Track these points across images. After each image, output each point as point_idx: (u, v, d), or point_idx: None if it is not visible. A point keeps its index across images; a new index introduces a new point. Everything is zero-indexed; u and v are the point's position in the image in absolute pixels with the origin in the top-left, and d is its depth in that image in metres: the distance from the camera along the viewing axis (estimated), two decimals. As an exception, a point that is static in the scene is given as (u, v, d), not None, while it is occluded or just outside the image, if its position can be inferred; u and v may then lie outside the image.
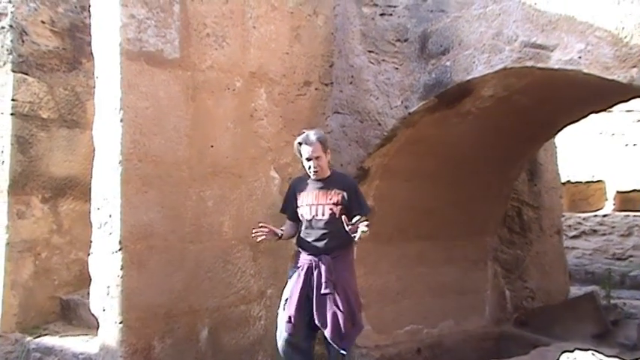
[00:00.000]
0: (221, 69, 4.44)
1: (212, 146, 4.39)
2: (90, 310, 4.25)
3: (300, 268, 3.93)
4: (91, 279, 4.22)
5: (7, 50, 5.13)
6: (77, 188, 5.49)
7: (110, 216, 3.98)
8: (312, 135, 3.97)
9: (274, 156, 4.78)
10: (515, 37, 3.94)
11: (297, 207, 4.03)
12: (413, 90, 4.53)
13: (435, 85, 4.41)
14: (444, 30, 4.35)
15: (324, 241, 3.90)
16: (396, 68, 4.64)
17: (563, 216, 7.98)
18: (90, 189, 4.26)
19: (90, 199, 4.27)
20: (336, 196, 3.93)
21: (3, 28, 5.16)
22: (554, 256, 6.70)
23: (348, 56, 4.97)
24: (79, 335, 4.90)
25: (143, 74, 4.04)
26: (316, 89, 5.03)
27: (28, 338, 4.96)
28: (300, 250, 4.04)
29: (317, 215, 3.93)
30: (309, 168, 3.97)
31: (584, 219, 9.81)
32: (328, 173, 4.02)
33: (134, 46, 4.00)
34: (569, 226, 9.62)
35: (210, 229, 4.36)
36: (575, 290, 7.45)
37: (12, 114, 5.12)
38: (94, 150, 4.24)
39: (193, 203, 4.28)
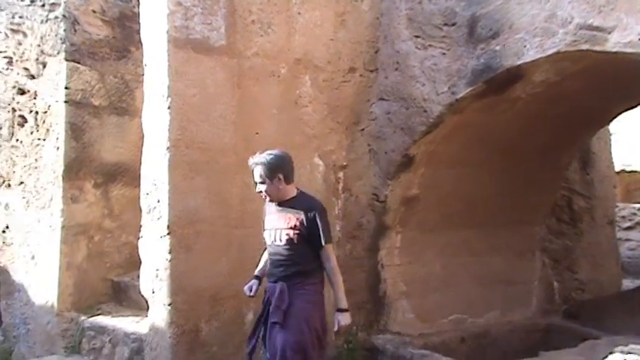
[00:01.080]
0: (266, 56, 4.47)
1: (257, 133, 4.43)
2: (140, 292, 4.36)
3: (263, 298, 3.73)
4: (140, 262, 4.33)
5: (61, 40, 5.27)
6: (127, 174, 5.62)
7: (159, 201, 4.07)
8: (257, 157, 3.67)
9: (318, 143, 4.79)
10: (570, 19, 3.82)
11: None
12: (460, 76, 4.46)
13: (483, 70, 4.33)
14: (494, 13, 4.26)
15: (281, 268, 3.62)
16: (443, 53, 4.58)
17: (617, 206, 7.78)
18: (139, 175, 4.36)
19: (139, 184, 4.37)
20: (294, 219, 3.60)
21: (56, 18, 5.30)
22: (606, 247, 6.54)
23: (393, 42, 4.93)
24: (129, 316, 5.04)
25: (190, 62, 4.10)
26: (361, 76, 5.01)
27: (83, 317, 5.14)
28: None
29: (275, 240, 3.65)
30: (259, 192, 3.72)
31: (639, 209, 9.53)
32: (289, 195, 3.68)
33: (181, 34, 4.06)
34: (623, 217, 9.34)
35: (254, 215, 4.38)
36: (628, 283, 7.26)
37: (65, 102, 5.27)
38: (142, 137, 4.33)
39: (239, 189, 4.33)
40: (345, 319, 3.65)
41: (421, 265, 5.32)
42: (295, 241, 3.58)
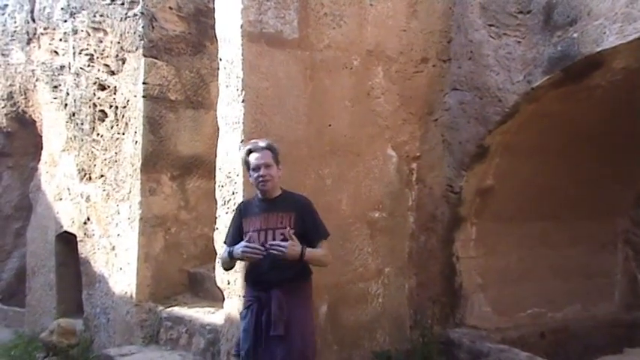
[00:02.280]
0: (338, 48, 4.46)
1: (330, 125, 4.43)
2: (215, 283, 4.45)
3: (250, 309, 3.42)
4: (215, 253, 4.40)
5: (139, 36, 5.43)
6: (202, 166, 5.74)
7: (233, 193, 4.13)
8: (261, 142, 3.51)
9: (391, 134, 4.75)
10: (653, 4, 3.66)
11: (243, 234, 3.44)
12: (536, 64, 4.33)
13: (560, 58, 4.19)
14: (572, -1, 4.12)
15: (277, 273, 3.33)
16: (518, 42, 4.46)
17: None
18: (214, 167, 4.44)
19: (214, 176, 4.45)
20: (287, 217, 3.37)
21: (135, 15, 5.46)
22: (693, 239, 6.23)
23: (467, 31, 4.83)
24: (205, 307, 5.15)
25: (263, 55, 4.14)
26: (434, 66, 4.93)
27: (160, 307, 5.29)
28: (248, 285, 3.55)
29: (267, 242, 3.33)
30: (258, 178, 3.42)
31: None
32: (279, 192, 3.49)
33: (255, 28, 4.10)
34: None
35: (328, 207, 4.40)
36: None
37: (144, 96, 5.43)
38: (217, 130, 4.40)
39: (312, 181, 4.35)
40: (289, 247, 3.24)
41: (497, 257, 5.21)
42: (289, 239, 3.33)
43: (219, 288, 4.40)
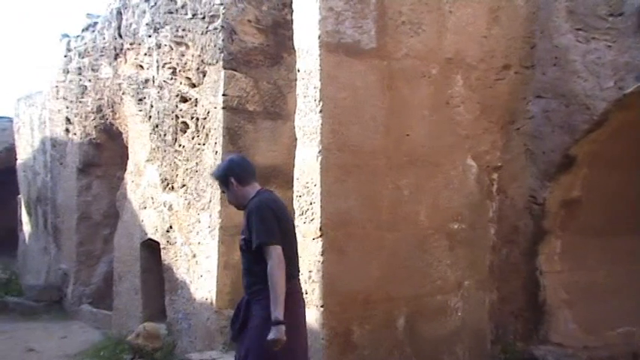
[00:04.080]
0: (417, 56, 4.40)
1: (408, 135, 4.37)
2: (293, 293, 4.45)
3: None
4: (293, 263, 4.42)
5: (219, 49, 5.55)
6: (280, 177, 5.78)
7: (311, 203, 4.14)
8: (215, 171, 3.79)
9: (471, 144, 4.64)
10: None
11: None
12: (628, 69, 4.13)
13: (654, 63, 3.98)
14: (667, 1, 3.91)
15: (244, 279, 3.51)
16: (609, 46, 4.26)
17: None
18: (291, 177, 4.46)
19: (291, 186, 4.47)
20: (244, 225, 3.47)
21: (215, 29, 5.59)
22: None
23: (551, 36, 4.66)
24: (282, 316, 5.16)
25: (341, 65, 4.13)
26: (516, 73, 4.79)
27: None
28: None
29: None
30: None
31: None
32: (249, 198, 3.55)
33: (333, 39, 4.10)
34: None
35: (406, 218, 4.35)
36: None
37: (223, 108, 5.54)
38: (295, 140, 4.42)
39: (390, 192, 4.30)
40: (273, 332, 3.23)
41: (584, 272, 4.98)
42: (244, 247, 3.45)
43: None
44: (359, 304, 4.16)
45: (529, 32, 4.81)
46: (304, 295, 4.17)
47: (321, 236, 4.06)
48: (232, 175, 3.61)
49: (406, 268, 4.34)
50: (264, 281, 3.35)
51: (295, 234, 3.68)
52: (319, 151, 4.07)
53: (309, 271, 4.13)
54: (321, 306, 4.04)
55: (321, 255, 4.05)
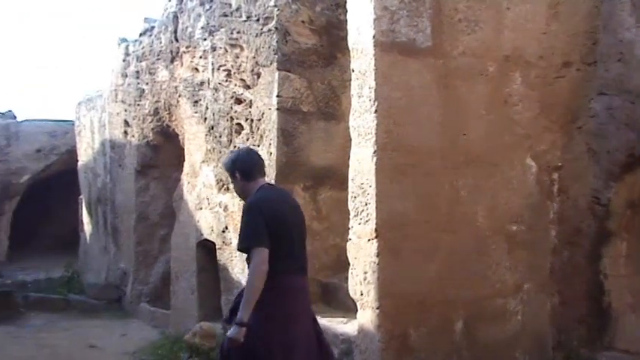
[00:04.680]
0: (473, 54, 4.32)
1: (465, 134, 4.29)
2: (348, 294, 4.43)
3: None
4: (348, 264, 4.40)
5: (273, 51, 5.57)
6: (334, 177, 5.77)
7: (366, 204, 4.10)
8: (224, 161, 4.00)
9: (531, 143, 4.52)
10: None
11: None
12: (697, 64, 3.95)
13: None
14: None
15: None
16: (676, 40, 4.09)
17: None
18: (346, 178, 4.44)
19: (346, 187, 4.45)
20: None
21: (269, 30, 5.62)
22: None
23: (615, 31, 4.50)
24: (337, 317, 5.15)
25: (396, 65, 4.08)
26: (577, 70, 4.64)
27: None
28: None
29: None
30: None
31: None
32: (249, 196, 3.80)
33: (387, 38, 4.05)
34: None
35: (463, 219, 4.28)
36: None
37: (277, 109, 5.57)
38: (349, 141, 4.40)
39: (446, 192, 4.23)
40: (231, 331, 3.49)
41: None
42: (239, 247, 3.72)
43: (351, 298, 4.38)
44: (415, 306, 4.11)
45: (591, 27, 4.65)
46: (360, 296, 4.17)
47: (376, 237, 4.02)
48: (237, 170, 3.83)
49: (464, 270, 4.26)
50: None
51: (297, 229, 3.85)
52: (374, 152, 4.03)
53: (365, 272, 4.10)
54: (377, 308, 4.00)
55: (377, 256, 4.02)
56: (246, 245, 3.63)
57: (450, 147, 4.23)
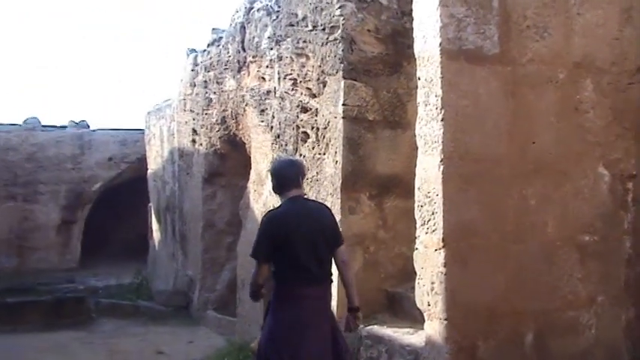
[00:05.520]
0: (542, 61, 4.24)
1: (534, 142, 4.21)
2: (414, 304, 4.41)
3: None
4: (414, 273, 4.37)
5: (339, 59, 5.61)
6: (400, 186, 5.74)
7: (433, 213, 4.08)
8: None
9: (603, 151, 4.40)
10: None
11: None
12: None
13: None
14: None
15: None
16: None
17: None
18: (412, 186, 4.43)
19: (412, 196, 4.44)
20: None
21: (335, 39, 5.66)
22: None
23: (692, 34, 4.34)
24: (403, 327, 5.11)
25: (463, 72, 4.06)
26: (653, 75, 4.49)
27: (360, 326, 5.34)
28: None
29: None
30: None
31: None
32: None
33: (454, 45, 4.03)
34: None
35: (532, 229, 4.20)
36: None
37: (343, 117, 5.59)
38: (415, 149, 4.38)
39: (514, 202, 4.16)
40: None
41: None
42: None
43: (418, 309, 4.35)
44: (483, 317, 4.05)
45: (666, 32, 4.50)
46: (427, 306, 4.13)
47: (443, 247, 3.99)
48: (271, 182, 4.36)
49: (533, 281, 4.18)
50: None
51: (309, 243, 4.09)
52: (441, 160, 4.01)
53: (432, 283, 4.08)
54: (445, 319, 3.97)
55: (444, 266, 3.99)
56: (251, 255, 4.23)
57: (519, 155, 4.17)
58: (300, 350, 4.04)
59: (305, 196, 4.38)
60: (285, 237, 4.03)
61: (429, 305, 4.13)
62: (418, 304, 4.29)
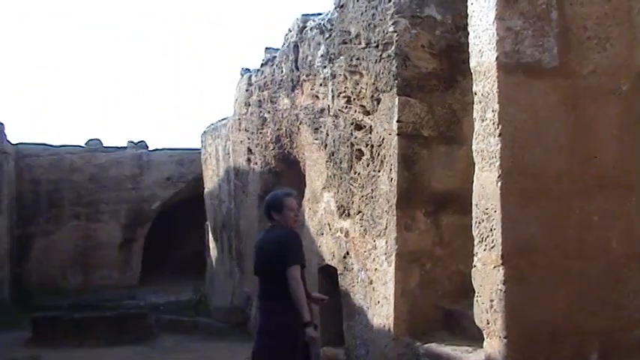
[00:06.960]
0: (604, 73, 4.13)
1: (595, 157, 4.10)
2: (472, 322, 4.32)
3: None
4: (471, 291, 4.30)
5: (393, 76, 5.60)
6: (456, 202, 5.66)
7: (491, 230, 4.01)
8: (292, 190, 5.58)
9: (669, 164, 4.24)
10: None
11: None
12: None
13: None
14: None
15: None
16: None
17: None
18: (468, 203, 4.36)
19: (468, 212, 4.37)
20: None
21: (389, 56, 5.65)
22: None
23: None
24: (462, 345, 5.02)
25: (520, 86, 3.99)
26: None
27: (418, 343, 5.28)
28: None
29: None
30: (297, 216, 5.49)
31: None
32: None
33: (511, 59, 3.97)
34: None
35: (595, 246, 4.07)
36: None
37: (398, 134, 5.57)
38: (471, 165, 4.32)
39: (576, 218, 4.04)
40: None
41: None
42: None
43: (476, 327, 4.27)
44: (545, 336, 3.94)
45: None
46: (487, 324, 4.04)
47: (502, 264, 3.90)
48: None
49: (597, 299, 4.04)
50: None
51: (268, 262, 5.19)
52: (499, 176, 3.94)
53: (491, 301, 3.99)
54: (505, 337, 3.87)
55: (503, 284, 3.90)
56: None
57: (580, 170, 4.06)
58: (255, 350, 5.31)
59: (272, 226, 5.30)
60: (257, 257, 5.37)
61: (488, 323, 4.05)
62: (477, 322, 4.20)
